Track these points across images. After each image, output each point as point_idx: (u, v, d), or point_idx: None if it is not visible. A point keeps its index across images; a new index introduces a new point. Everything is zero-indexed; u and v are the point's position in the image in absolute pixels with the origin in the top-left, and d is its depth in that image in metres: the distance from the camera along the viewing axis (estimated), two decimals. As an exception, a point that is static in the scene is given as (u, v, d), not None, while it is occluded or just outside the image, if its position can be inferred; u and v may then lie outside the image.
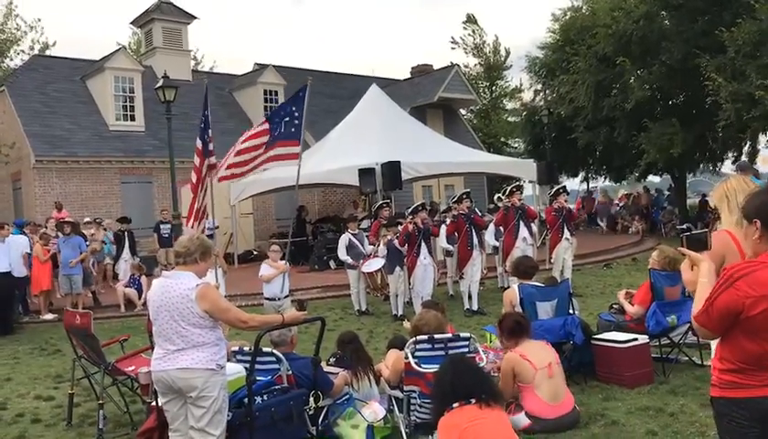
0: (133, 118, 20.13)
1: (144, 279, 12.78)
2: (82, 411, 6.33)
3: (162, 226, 15.84)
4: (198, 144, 7.02)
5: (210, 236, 18.65)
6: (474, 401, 3.72)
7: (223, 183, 19.17)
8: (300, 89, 7.53)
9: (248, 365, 4.32)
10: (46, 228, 13.52)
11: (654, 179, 29.43)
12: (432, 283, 10.46)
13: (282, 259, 8.86)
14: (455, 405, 3.75)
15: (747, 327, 2.34)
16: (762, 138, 20.19)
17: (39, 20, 30.98)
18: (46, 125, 18.72)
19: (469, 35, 35.46)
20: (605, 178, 28.40)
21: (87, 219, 15.56)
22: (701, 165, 24.01)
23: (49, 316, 12.04)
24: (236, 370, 4.48)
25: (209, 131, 7.05)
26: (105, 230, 15.27)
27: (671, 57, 19.10)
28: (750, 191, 3.29)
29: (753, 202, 2.48)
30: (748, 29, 16.37)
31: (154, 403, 4.68)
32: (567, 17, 24.75)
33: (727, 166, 23.74)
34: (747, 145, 20.99)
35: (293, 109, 7.51)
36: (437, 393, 4.01)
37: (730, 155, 22.63)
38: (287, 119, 7.43)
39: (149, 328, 5.94)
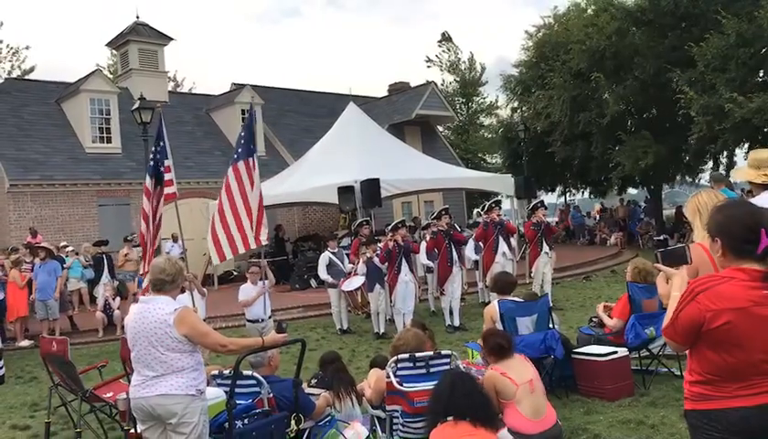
0: (109, 140, 19.96)
1: (117, 301, 12.69)
2: (60, 439, 6.22)
3: (135, 249, 15.67)
4: (148, 181, 7.01)
5: (181, 260, 18.36)
6: (468, 419, 3.74)
7: (201, 203, 19.12)
8: (250, 113, 7.73)
9: (228, 389, 4.27)
10: (16, 251, 13.28)
11: (630, 191, 29.89)
12: (413, 299, 10.46)
13: (262, 279, 8.79)
14: (449, 418, 3.76)
15: (709, 340, 2.37)
16: (739, 151, 20.60)
17: (28, 48, 30.87)
18: (20, 149, 18.49)
19: (444, 52, 35.91)
20: (583, 192, 28.78)
21: (63, 244, 15.36)
22: (677, 177, 24.41)
23: (25, 343, 11.82)
24: (216, 395, 4.43)
25: (165, 161, 7.02)
26: (77, 253, 15.05)
27: (644, 72, 19.47)
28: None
29: (714, 219, 2.49)
30: (716, 44, 16.75)
31: (132, 430, 4.61)
32: (540, 34, 25.14)
33: (701, 177, 24.19)
34: (723, 156, 21.39)
35: (243, 134, 7.63)
36: (431, 407, 4.01)
37: (706, 166, 23.05)
38: (242, 142, 7.56)
39: (122, 355, 5.88)
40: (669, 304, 2.58)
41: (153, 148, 7.24)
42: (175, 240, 17.19)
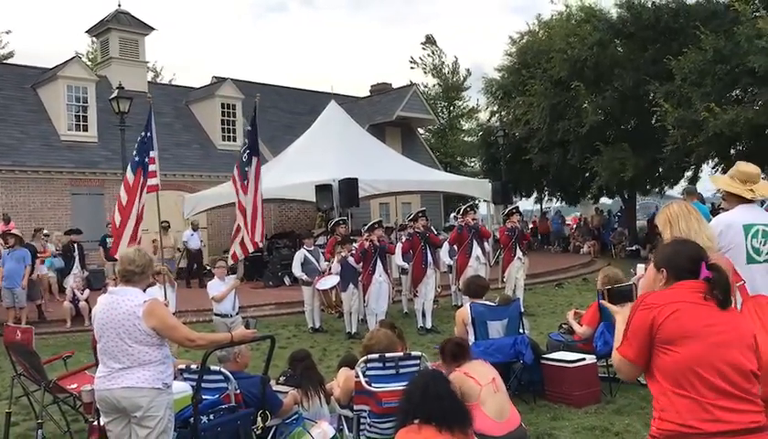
0: (85, 128, 19.68)
1: (86, 292, 12.50)
2: (20, 430, 6.11)
3: (108, 240, 15.49)
4: (129, 173, 7.01)
5: (199, 251, 18.23)
6: (434, 423, 3.72)
7: (176, 197, 19.00)
8: (253, 109, 7.91)
9: (194, 383, 4.23)
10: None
11: (606, 201, 30.21)
12: (386, 300, 10.47)
13: (230, 274, 8.75)
14: (416, 421, 3.75)
15: (661, 339, 2.45)
16: (705, 166, 20.97)
17: (9, 32, 30.64)
18: (-7, 133, 18.17)
19: (428, 55, 36.00)
20: (559, 200, 29.02)
21: (46, 232, 15.07)
22: (650, 188, 24.75)
23: (-10, 331, 11.58)
24: (182, 389, 4.38)
25: (150, 153, 7.03)
26: (46, 240, 14.77)
27: (623, 83, 19.72)
28: (689, 216, 3.41)
29: (663, 252, 2.71)
30: (694, 59, 17.04)
31: (96, 423, 4.55)
32: (524, 41, 25.32)
33: (674, 190, 24.57)
34: (692, 170, 21.75)
35: (250, 129, 7.97)
36: (402, 407, 4.00)
37: (678, 178, 23.39)
38: (247, 141, 7.86)
39: (93, 344, 5.79)
40: (615, 336, 2.71)
41: (139, 138, 7.22)
42: (194, 228, 17.31)
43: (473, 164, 33.25)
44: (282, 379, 5.49)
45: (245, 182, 7.75)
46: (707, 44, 16.79)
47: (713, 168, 21.27)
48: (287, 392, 5.02)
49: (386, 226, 14.44)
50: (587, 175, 21.70)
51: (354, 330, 10.40)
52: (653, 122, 18.92)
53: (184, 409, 4.23)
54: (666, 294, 2.54)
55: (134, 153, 7.15)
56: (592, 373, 6.24)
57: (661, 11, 19.72)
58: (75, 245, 14.64)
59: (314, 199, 13.93)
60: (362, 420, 4.72)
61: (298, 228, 21.34)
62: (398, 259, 11.74)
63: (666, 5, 19.97)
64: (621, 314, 2.77)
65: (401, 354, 4.87)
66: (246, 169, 7.84)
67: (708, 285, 2.49)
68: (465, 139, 33.63)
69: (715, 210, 12.30)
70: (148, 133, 7.10)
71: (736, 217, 3.93)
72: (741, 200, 4.01)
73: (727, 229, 3.85)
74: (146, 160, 7.03)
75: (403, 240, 11.60)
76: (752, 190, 3.98)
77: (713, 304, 2.47)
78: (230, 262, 8.53)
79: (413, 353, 4.94)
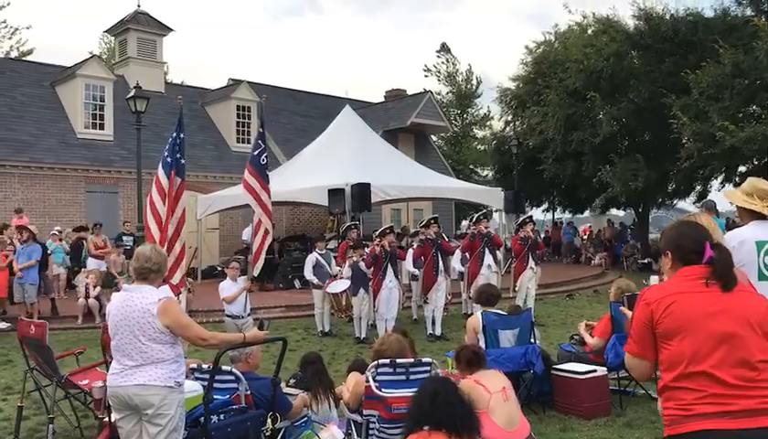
0: (102, 127, 19.86)
1: (97, 289, 12.54)
2: (31, 424, 6.14)
3: (124, 238, 15.60)
4: (162, 175, 6.91)
5: (247, 248, 18.52)
6: (444, 430, 3.71)
7: (190, 197, 19.21)
8: (260, 111, 8.19)
9: (206, 383, 4.25)
10: (2, 234, 13.11)
11: (617, 213, 30.06)
12: (396, 306, 10.44)
13: (242, 275, 8.77)
14: (426, 428, 3.74)
15: (660, 335, 2.50)
16: (714, 181, 20.87)
17: (29, 27, 31.19)
18: (10, 129, 18.34)
19: (442, 63, 36.10)
20: (568, 211, 28.93)
21: (58, 228, 15.17)
22: (664, 201, 24.62)
23: (2, 325, 11.67)
24: (193, 388, 4.40)
25: (178, 156, 7.01)
26: (61, 239, 14.86)
27: (639, 95, 19.64)
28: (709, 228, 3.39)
29: (666, 235, 2.77)
30: (712, 73, 16.93)
31: (106, 419, 4.57)
32: (540, 51, 25.30)
33: (687, 203, 24.46)
34: (702, 184, 21.66)
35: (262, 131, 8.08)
36: (411, 413, 3.99)
37: (692, 190, 23.27)
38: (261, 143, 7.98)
39: (103, 341, 5.83)
40: None
41: (171, 139, 7.17)
42: None
43: (485, 173, 33.23)
44: (292, 381, 5.50)
45: (266, 183, 7.93)
46: (725, 58, 16.69)
47: (720, 183, 21.15)
48: (297, 395, 5.03)
49: (397, 232, 14.45)
50: (598, 186, 21.59)
51: (363, 335, 10.39)
52: (667, 134, 18.81)
53: (194, 408, 4.25)
54: (664, 287, 2.58)
55: (166, 153, 7.02)
56: (603, 385, 6.20)
57: (679, 23, 19.64)
58: (83, 242, 14.72)
59: (327, 203, 13.97)
60: (371, 425, 4.72)
61: (309, 231, 21.38)
62: (409, 265, 11.73)
63: (684, 17, 19.91)
64: None
65: (412, 360, 4.86)
66: (267, 172, 8.04)
67: (710, 269, 2.51)
68: (479, 147, 33.64)
69: (730, 226, 12.20)
70: (182, 134, 7.09)
71: (749, 233, 3.89)
72: (754, 216, 3.97)
73: (740, 245, 3.82)
74: (182, 161, 7.03)
75: (415, 247, 11.59)
76: None
77: (716, 288, 2.48)
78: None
79: (424, 359, 4.93)
